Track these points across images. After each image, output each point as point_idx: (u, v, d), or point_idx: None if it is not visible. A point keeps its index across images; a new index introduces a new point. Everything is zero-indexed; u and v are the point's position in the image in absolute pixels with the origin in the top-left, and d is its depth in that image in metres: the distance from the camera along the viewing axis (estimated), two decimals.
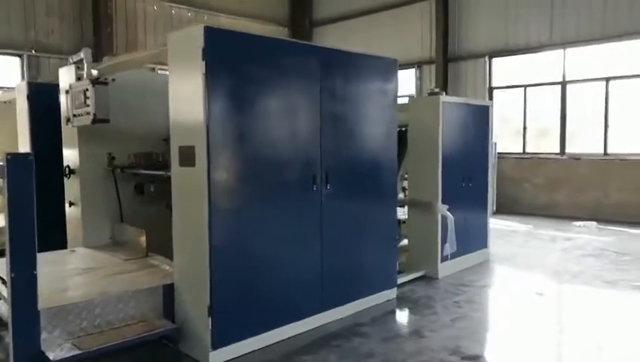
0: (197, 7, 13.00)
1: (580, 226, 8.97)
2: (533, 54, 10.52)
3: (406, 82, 12.72)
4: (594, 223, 9.04)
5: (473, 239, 6.38)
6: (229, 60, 3.64)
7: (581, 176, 9.89)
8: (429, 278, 5.79)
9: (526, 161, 10.71)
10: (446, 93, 11.73)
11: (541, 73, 10.49)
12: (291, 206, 4.10)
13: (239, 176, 3.76)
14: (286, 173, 4.05)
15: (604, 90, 9.60)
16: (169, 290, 3.81)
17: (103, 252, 4.73)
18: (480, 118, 6.43)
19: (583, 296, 5.21)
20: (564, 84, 10.13)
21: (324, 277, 4.36)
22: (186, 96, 3.61)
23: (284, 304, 4.08)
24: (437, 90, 6.06)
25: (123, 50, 11.49)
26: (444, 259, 5.85)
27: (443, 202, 5.78)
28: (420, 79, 12.47)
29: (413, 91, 12.56)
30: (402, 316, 4.66)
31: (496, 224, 9.22)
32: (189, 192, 3.68)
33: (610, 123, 9.64)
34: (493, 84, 11.26)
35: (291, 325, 4.13)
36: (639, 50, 9.27)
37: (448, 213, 5.73)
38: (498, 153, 11.01)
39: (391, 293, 5.07)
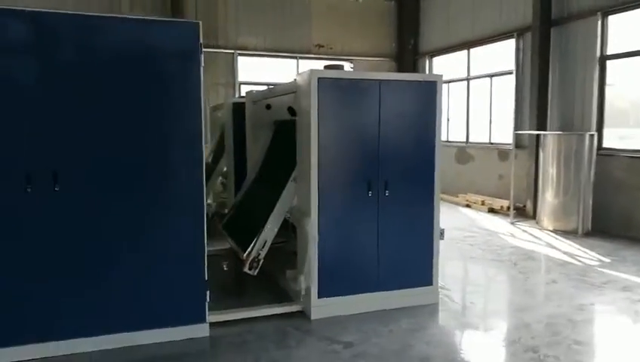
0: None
1: None
2: None
3: (505, 56, 10.05)
4: None
5: (396, 272, 4.50)
6: None
7: None
8: (301, 317, 4.30)
9: None
10: (542, 68, 8.81)
11: None
12: None
13: None
14: None
15: None
16: None
17: None
18: (415, 100, 4.45)
19: None
20: None
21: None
22: None
23: None
24: (338, 63, 4.39)
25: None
26: (326, 294, 4.26)
27: (324, 217, 4.20)
28: (521, 50, 9.66)
29: (512, 67, 9.84)
30: None
31: (566, 250, 6.64)
32: None
33: None
34: (609, 52, 7.97)
35: None
36: None
37: (312, 229, 4.12)
38: (602, 149, 7.84)
39: (196, 331, 3.88)
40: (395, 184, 4.41)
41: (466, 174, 11.13)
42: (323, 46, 12.95)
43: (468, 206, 10.23)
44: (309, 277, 4.16)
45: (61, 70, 3.41)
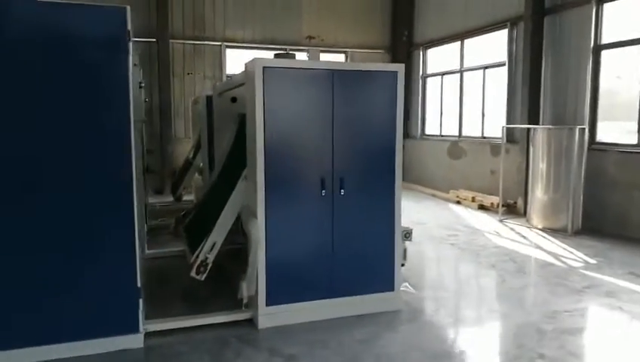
0: None
1: None
2: None
3: (499, 47, 9.62)
4: None
5: (353, 277, 4.18)
6: None
7: None
8: (249, 326, 3.99)
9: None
10: (534, 59, 8.35)
11: None
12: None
13: None
14: None
15: None
16: None
17: None
18: (373, 92, 4.10)
19: None
20: None
21: None
22: None
23: None
24: (287, 52, 4.07)
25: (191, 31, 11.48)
26: (275, 301, 3.96)
27: (272, 218, 3.89)
28: (514, 41, 9.23)
29: (505, 58, 9.42)
30: None
31: (551, 250, 6.32)
32: None
33: None
34: (604, 41, 7.53)
35: None
36: None
37: (256, 232, 3.81)
38: (595, 143, 7.45)
39: (130, 342, 3.59)
40: (351, 182, 4.09)
41: (458, 169, 10.75)
42: (314, 37, 12.58)
43: (458, 202, 9.85)
44: (252, 283, 3.86)
45: None
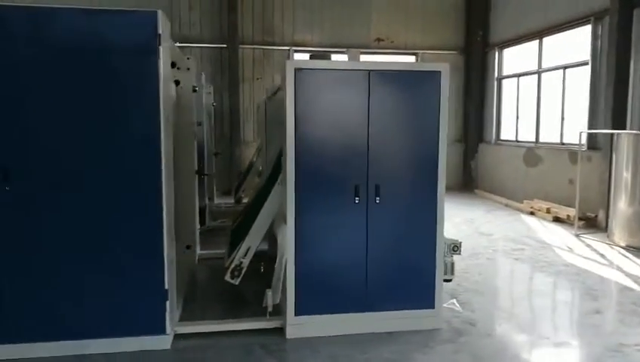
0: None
1: None
2: None
3: (581, 45, 8.79)
4: None
5: (389, 291, 3.91)
6: None
7: None
8: (278, 334, 3.87)
9: None
10: (621, 57, 7.44)
11: None
12: None
13: None
14: None
15: None
16: None
17: None
18: (413, 93, 3.82)
19: None
20: None
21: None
22: None
23: None
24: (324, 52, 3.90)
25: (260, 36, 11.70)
26: (304, 312, 3.81)
27: (303, 226, 3.75)
28: (599, 38, 8.38)
29: (588, 57, 8.58)
30: None
31: (632, 272, 5.68)
32: None
33: None
34: None
35: None
36: None
37: (283, 239, 3.67)
38: None
39: (157, 343, 3.61)
40: (388, 189, 3.84)
41: (534, 178, 9.98)
42: (383, 40, 12.33)
43: (532, 213, 9.12)
44: (277, 292, 3.74)
45: (4, 64, 3.28)
